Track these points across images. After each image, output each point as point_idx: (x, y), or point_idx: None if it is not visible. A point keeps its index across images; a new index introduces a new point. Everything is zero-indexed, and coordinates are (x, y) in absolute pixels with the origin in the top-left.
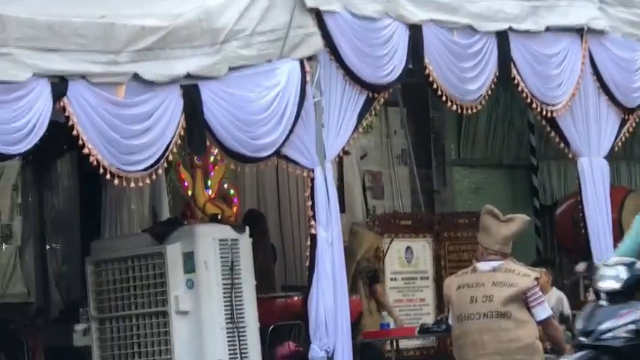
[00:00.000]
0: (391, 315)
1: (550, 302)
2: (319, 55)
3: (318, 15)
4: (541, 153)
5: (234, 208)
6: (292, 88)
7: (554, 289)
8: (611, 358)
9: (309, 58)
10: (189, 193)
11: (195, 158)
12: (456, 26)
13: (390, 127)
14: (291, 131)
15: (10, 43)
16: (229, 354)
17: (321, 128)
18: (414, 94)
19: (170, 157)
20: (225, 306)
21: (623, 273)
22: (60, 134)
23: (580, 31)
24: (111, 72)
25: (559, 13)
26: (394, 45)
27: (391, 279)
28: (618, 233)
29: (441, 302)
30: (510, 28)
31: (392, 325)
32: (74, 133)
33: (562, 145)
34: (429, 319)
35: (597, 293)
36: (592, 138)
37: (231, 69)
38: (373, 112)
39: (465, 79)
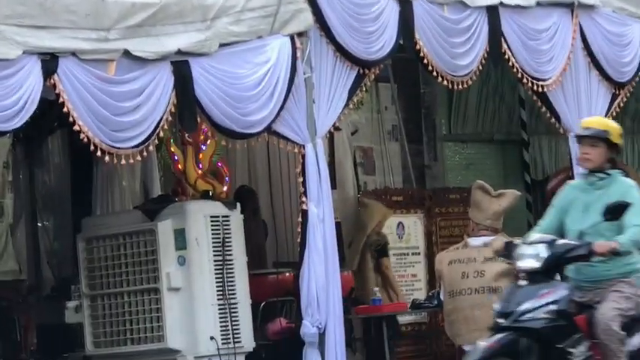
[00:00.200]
0: (394, 290)
1: None
2: (310, 31)
3: None
4: (532, 128)
5: (225, 185)
6: (283, 64)
7: None
8: (530, 341)
9: (300, 34)
10: (180, 169)
11: (186, 135)
12: (447, 1)
13: (380, 102)
14: (281, 107)
15: None
16: (221, 330)
17: (312, 104)
18: (404, 70)
19: (161, 134)
20: (217, 283)
21: (544, 251)
22: (51, 111)
23: (571, 6)
24: (101, 49)
25: None
26: (385, 21)
27: None
28: None
29: (433, 278)
30: (501, 3)
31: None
32: (65, 110)
33: (553, 120)
34: (421, 295)
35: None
36: (583, 113)
37: (222, 45)
38: (364, 88)
39: (456, 54)
